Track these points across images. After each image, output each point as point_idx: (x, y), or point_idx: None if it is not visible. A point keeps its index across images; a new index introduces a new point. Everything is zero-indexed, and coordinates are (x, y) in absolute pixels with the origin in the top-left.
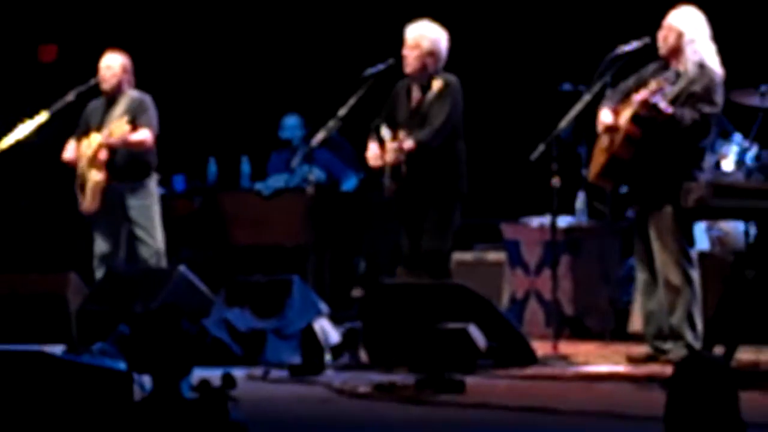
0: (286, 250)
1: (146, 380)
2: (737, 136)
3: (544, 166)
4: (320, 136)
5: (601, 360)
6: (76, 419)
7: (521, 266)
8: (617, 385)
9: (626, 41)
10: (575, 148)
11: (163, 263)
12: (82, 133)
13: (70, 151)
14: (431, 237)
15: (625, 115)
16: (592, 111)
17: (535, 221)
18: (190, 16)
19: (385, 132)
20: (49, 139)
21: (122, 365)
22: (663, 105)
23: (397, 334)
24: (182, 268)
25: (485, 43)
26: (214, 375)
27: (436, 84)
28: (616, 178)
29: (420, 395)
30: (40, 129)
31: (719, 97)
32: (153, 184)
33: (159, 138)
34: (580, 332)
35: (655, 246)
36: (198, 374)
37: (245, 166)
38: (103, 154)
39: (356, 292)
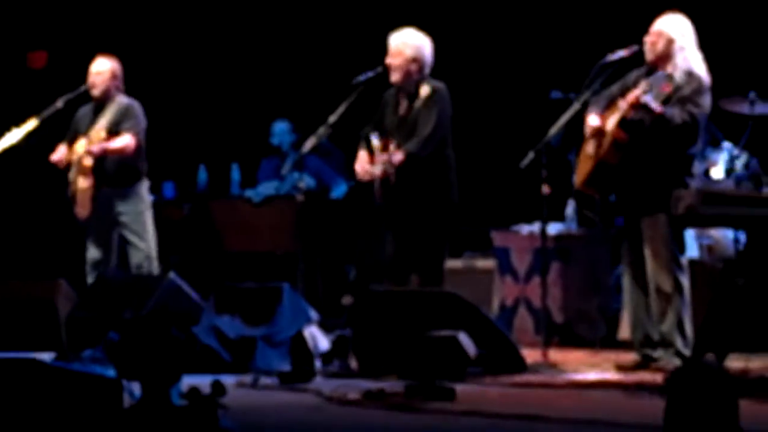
0: (276, 257)
1: (136, 387)
2: (727, 144)
3: (533, 174)
4: (310, 143)
5: (591, 367)
6: (66, 426)
7: (511, 273)
8: (607, 393)
9: (616, 49)
10: (565, 156)
11: (155, 267)
12: (72, 138)
13: (58, 153)
14: (423, 246)
15: (612, 120)
16: (581, 119)
17: (525, 229)
18: (181, 22)
19: (375, 140)
20: (39, 145)
21: (112, 372)
22: (654, 104)
23: (387, 341)
24: (172, 275)
25: (475, 51)
26: (204, 382)
27: (423, 91)
28: (602, 185)
29: (410, 402)
30: (30, 135)
31: (706, 102)
32: (144, 190)
33: (149, 145)
34: (570, 340)
35: (646, 253)
36: (187, 381)
37: (235, 174)
38: (87, 161)
39: (346, 300)
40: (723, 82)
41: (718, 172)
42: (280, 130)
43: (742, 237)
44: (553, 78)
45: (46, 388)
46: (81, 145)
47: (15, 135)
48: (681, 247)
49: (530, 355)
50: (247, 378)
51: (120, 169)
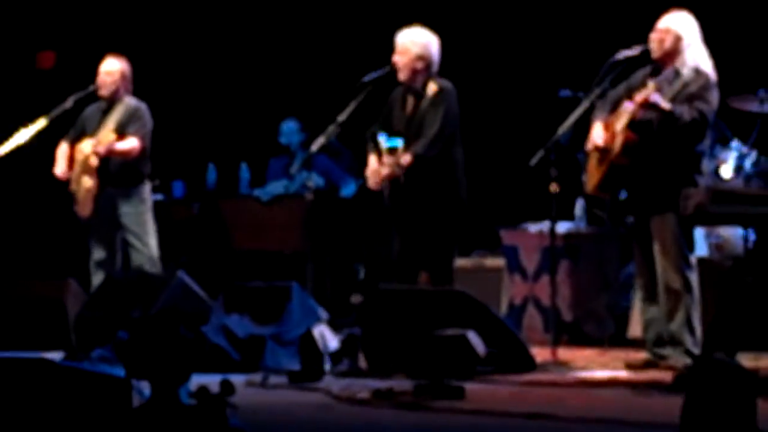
0: (285, 256)
1: (145, 386)
2: (736, 142)
3: (543, 172)
4: (319, 142)
5: (600, 366)
6: (75, 426)
7: (520, 272)
8: (616, 391)
9: (625, 47)
10: (574, 154)
11: (157, 269)
12: (76, 137)
13: (60, 167)
14: (432, 244)
15: (620, 123)
16: (590, 117)
17: (534, 227)
18: (189, 22)
19: (382, 140)
20: (48, 144)
21: (121, 371)
22: (663, 103)
23: (396, 340)
24: (181, 273)
25: (484, 50)
26: (213, 381)
27: (430, 90)
28: (615, 186)
29: (419, 401)
30: (39, 135)
31: (714, 98)
32: (146, 191)
33: (158, 144)
34: (579, 338)
35: (656, 251)
36: (196, 380)
37: (244, 173)
38: (93, 161)
39: (355, 299)
40: (732, 80)
41: (727, 171)
42: (289, 129)
43: (752, 235)
44: (562, 76)
45: (55, 388)
46: (87, 144)
47: (24, 134)
48: (690, 246)
49: (539, 353)
50: (257, 377)
51: (123, 170)
